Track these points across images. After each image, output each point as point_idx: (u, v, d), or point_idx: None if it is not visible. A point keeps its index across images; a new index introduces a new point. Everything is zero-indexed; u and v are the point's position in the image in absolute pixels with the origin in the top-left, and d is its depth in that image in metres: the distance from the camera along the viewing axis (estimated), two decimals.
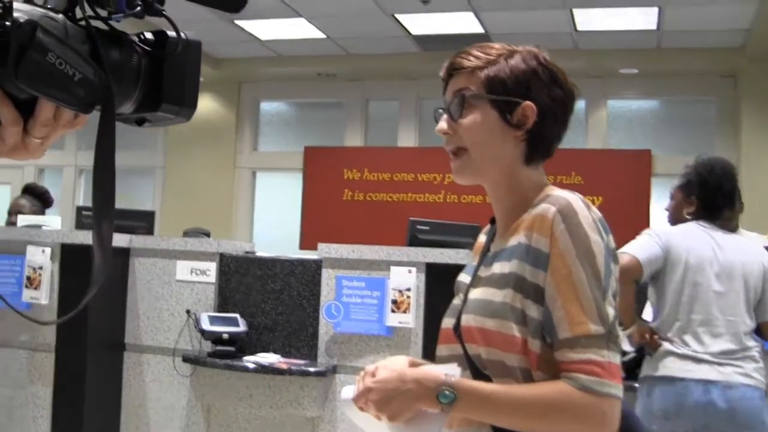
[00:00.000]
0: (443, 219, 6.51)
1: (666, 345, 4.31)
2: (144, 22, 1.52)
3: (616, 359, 1.85)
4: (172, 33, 1.25)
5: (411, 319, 5.13)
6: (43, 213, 6.73)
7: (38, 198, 6.82)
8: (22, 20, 1.05)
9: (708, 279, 4.32)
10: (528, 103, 2.01)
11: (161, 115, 1.26)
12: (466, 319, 2.00)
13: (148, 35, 1.25)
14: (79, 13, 1.16)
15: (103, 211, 1.17)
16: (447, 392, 1.86)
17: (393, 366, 1.97)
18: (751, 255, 4.43)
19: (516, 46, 2.09)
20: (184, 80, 1.26)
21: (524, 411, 1.84)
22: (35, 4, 1.11)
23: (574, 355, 1.82)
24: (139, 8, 1.19)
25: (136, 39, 1.24)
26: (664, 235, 4.46)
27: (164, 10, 1.23)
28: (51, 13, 1.11)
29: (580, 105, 10.88)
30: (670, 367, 4.26)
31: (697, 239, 4.41)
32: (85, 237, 5.56)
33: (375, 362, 2.06)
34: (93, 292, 1.17)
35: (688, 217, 4.56)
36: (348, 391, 2.04)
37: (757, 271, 4.38)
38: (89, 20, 1.17)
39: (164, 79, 1.24)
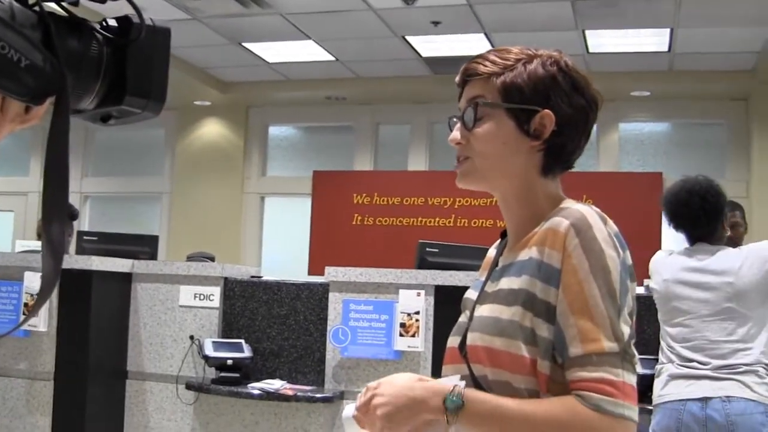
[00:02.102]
0: (454, 242, 6.43)
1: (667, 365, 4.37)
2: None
3: (632, 379, 1.75)
4: (137, 19, 1.13)
5: (420, 343, 5.10)
6: (70, 227, 6.77)
7: None
8: None
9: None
10: (546, 111, 1.91)
11: (126, 109, 1.15)
12: (472, 338, 1.91)
13: (111, 22, 1.14)
14: None
15: (53, 213, 1.05)
16: (454, 398, 1.78)
17: (398, 380, 1.90)
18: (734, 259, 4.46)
19: (536, 49, 1.99)
20: (150, 70, 1.16)
21: (532, 427, 1.74)
22: None
23: (586, 374, 1.72)
24: None
25: (97, 26, 1.12)
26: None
27: None
28: None
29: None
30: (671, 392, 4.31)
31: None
32: (86, 262, 5.48)
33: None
34: (44, 302, 1.05)
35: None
36: (350, 410, 1.98)
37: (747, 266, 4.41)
38: (42, 4, 1.06)
39: (129, 69, 1.13)
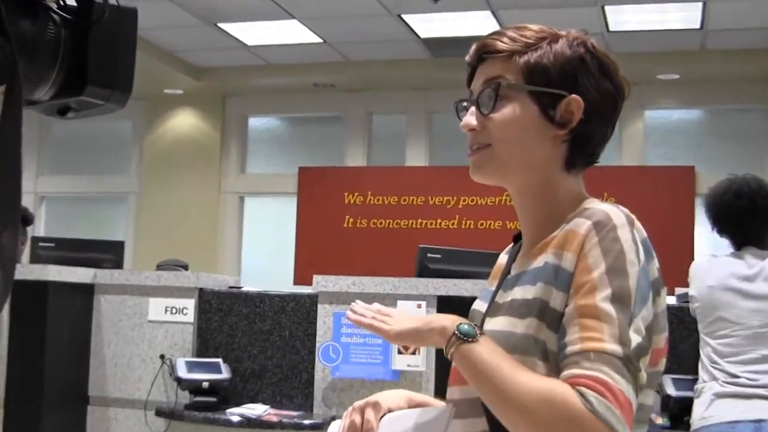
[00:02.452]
0: (458, 247, 6.43)
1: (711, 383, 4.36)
2: None
3: (631, 393, 1.68)
4: None
5: (421, 362, 5.09)
6: (24, 233, 6.76)
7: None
8: None
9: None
10: (575, 96, 1.91)
11: (87, 100, 1.15)
12: None
13: (70, 1, 1.13)
14: None
15: (4, 217, 1.04)
16: (471, 329, 1.82)
17: (388, 397, 1.93)
18: None
19: (558, 28, 1.99)
20: (114, 56, 1.16)
21: (515, 390, 1.70)
22: None
23: (580, 371, 1.68)
24: None
25: (54, 5, 1.12)
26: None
27: None
28: None
29: None
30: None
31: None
32: (42, 272, 5.47)
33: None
34: None
35: None
36: (334, 427, 2.01)
37: None
38: None
39: (90, 55, 1.12)
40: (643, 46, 10.38)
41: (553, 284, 1.80)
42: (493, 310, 1.95)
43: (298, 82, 11.94)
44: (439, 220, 11.38)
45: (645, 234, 1.85)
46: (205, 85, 12.10)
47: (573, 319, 1.74)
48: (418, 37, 10.49)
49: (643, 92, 10.96)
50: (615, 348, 1.68)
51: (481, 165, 1.96)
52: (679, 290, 5.27)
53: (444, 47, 10.56)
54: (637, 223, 1.85)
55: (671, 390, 4.65)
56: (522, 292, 1.87)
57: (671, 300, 4.99)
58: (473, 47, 2.01)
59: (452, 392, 2.00)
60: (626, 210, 1.86)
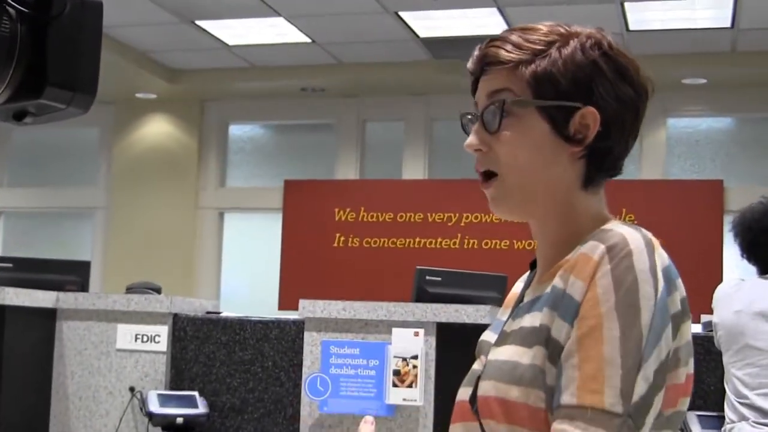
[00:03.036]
0: (460, 269, 6.44)
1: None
2: None
3: None
4: None
5: (418, 395, 5.05)
6: None
7: None
8: None
9: None
10: (589, 108, 1.88)
11: (46, 103, 1.15)
12: (485, 388, 1.88)
13: None
14: None
15: None
16: None
17: None
18: None
19: (569, 26, 1.96)
20: (78, 55, 1.16)
21: None
22: None
23: (572, 429, 1.68)
24: None
25: None
26: None
27: None
28: None
29: None
30: None
31: None
32: None
33: None
34: None
35: None
36: None
37: None
38: None
39: (49, 54, 1.12)
40: (666, 47, 10.41)
41: (557, 311, 1.79)
42: (502, 339, 1.94)
43: (285, 86, 11.96)
44: (439, 239, 11.40)
45: (668, 261, 1.82)
46: (181, 88, 12.11)
47: (572, 358, 1.73)
48: (417, 36, 10.50)
49: (667, 98, 10.99)
50: (614, 404, 1.67)
51: (499, 202, 1.95)
52: (705, 317, 5.27)
53: (446, 48, 10.57)
54: (660, 249, 1.82)
55: (696, 429, 4.63)
56: (531, 320, 1.86)
57: (696, 328, 4.99)
58: (474, 55, 1.98)
59: (455, 430, 2.00)
60: (648, 233, 1.83)
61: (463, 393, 1.99)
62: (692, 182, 11.11)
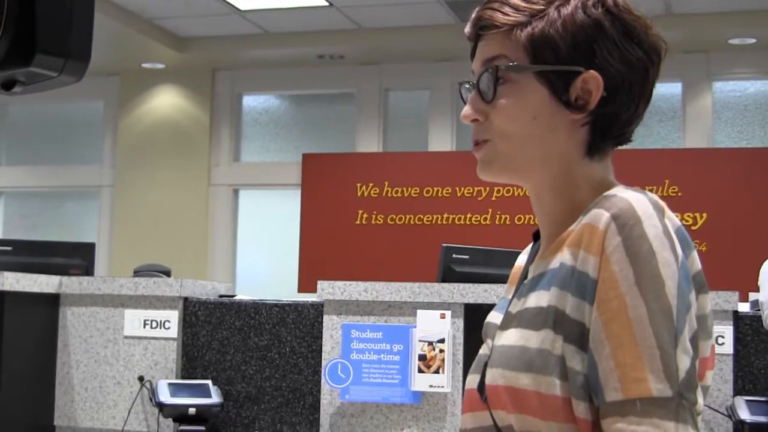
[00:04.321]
0: (489, 246, 6.43)
1: None
2: None
3: None
4: None
5: (446, 381, 5.07)
6: None
7: None
8: None
9: None
10: (591, 72, 1.88)
11: (37, 71, 1.16)
12: (492, 376, 1.88)
13: None
14: None
15: None
16: None
17: None
18: None
19: None
20: (69, 19, 1.17)
21: None
22: None
23: (626, 427, 1.67)
24: None
25: None
26: None
27: None
28: None
29: (674, 89, 10.87)
30: None
31: None
32: None
33: None
34: None
35: None
36: None
37: None
38: None
39: (39, 18, 1.14)
40: (711, 4, 10.34)
41: (569, 289, 1.78)
42: (507, 321, 1.93)
43: (301, 54, 11.98)
44: (468, 215, 11.40)
45: (679, 223, 1.82)
46: (191, 57, 12.13)
47: (603, 348, 1.71)
48: None
49: (712, 60, 10.95)
50: (663, 387, 1.67)
51: (485, 165, 1.99)
52: (753, 295, 5.25)
53: (473, 10, 10.53)
54: (669, 212, 1.81)
55: (745, 415, 4.59)
56: (536, 299, 1.85)
57: (744, 307, 4.97)
58: (470, 19, 2.00)
59: (465, 421, 2.01)
60: (655, 196, 1.82)
61: (471, 381, 2.02)
62: (740, 150, 11.07)
